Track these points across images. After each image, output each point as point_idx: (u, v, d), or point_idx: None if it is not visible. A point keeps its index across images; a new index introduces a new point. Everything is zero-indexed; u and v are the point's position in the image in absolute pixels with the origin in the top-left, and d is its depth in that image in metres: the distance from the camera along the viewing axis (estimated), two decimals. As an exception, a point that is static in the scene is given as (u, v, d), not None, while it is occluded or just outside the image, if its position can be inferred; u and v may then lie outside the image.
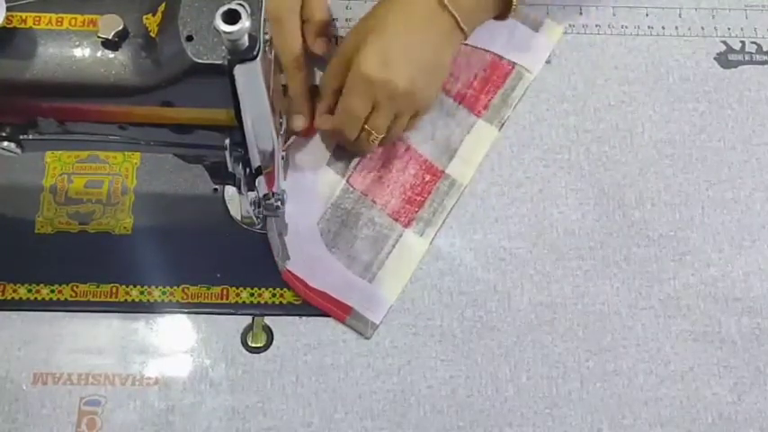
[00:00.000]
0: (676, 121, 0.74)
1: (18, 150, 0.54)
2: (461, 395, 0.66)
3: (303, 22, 0.71)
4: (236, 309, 0.67)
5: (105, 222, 0.69)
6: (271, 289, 0.68)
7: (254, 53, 0.44)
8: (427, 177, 0.72)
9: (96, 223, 0.69)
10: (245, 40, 0.44)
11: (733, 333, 0.68)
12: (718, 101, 0.75)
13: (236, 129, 0.52)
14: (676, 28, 0.78)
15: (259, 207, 0.63)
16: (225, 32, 0.42)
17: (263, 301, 0.68)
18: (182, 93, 0.48)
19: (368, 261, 0.69)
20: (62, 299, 0.67)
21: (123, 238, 0.69)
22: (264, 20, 0.46)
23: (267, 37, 0.48)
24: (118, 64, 0.48)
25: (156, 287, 0.67)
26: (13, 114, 0.53)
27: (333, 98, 0.69)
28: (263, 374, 0.66)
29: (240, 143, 0.53)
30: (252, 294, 0.68)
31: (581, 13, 0.77)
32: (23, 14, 0.48)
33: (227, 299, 0.68)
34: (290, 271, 0.68)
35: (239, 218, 0.69)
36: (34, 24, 0.49)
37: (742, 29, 0.78)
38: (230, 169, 0.56)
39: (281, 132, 0.65)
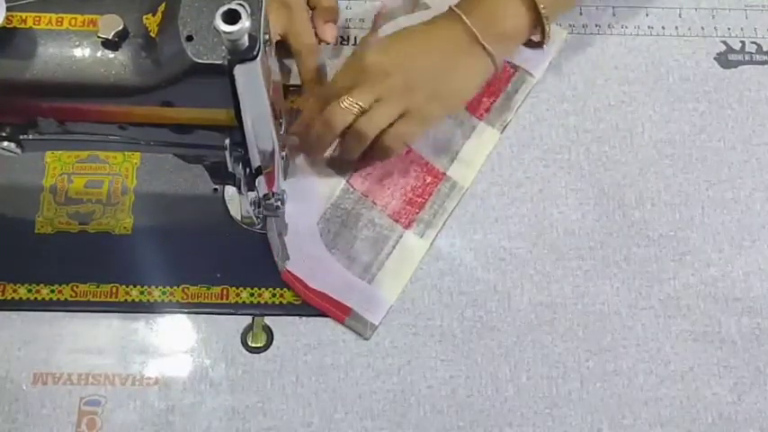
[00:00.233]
0: (676, 121, 0.74)
1: (18, 150, 0.54)
2: (461, 395, 0.66)
3: (311, 9, 0.72)
4: (236, 309, 0.67)
5: (105, 222, 0.69)
6: (271, 289, 0.68)
7: (254, 53, 0.44)
8: (428, 179, 0.72)
9: (96, 223, 0.69)
10: (245, 40, 0.44)
11: (733, 333, 0.68)
12: (718, 101, 0.75)
13: (236, 129, 0.52)
14: (676, 28, 0.78)
15: (259, 207, 0.63)
16: (225, 32, 0.42)
17: (263, 301, 0.68)
18: (182, 93, 0.48)
19: (367, 262, 0.69)
20: (62, 299, 0.67)
21: (123, 238, 0.69)
22: (264, 19, 0.46)
23: (267, 37, 0.48)
24: (118, 64, 0.48)
25: (156, 287, 0.67)
26: (13, 114, 0.53)
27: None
28: (263, 374, 0.66)
29: (240, 143, 0.53)
30: (252, 294, 0.68)
31: (581, 13, 0.77)
32: (23, 14, 0.48)
33: (227, 299, 0.68)
34: (289, 271, 0.68)
35: (239, 218, 0.69)
36: (34, 24, 0.49)
37: (742, 29, 0.78)
38: (230, 169, 0.56)
39: (281, 132, 0.65)
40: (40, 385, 0.65)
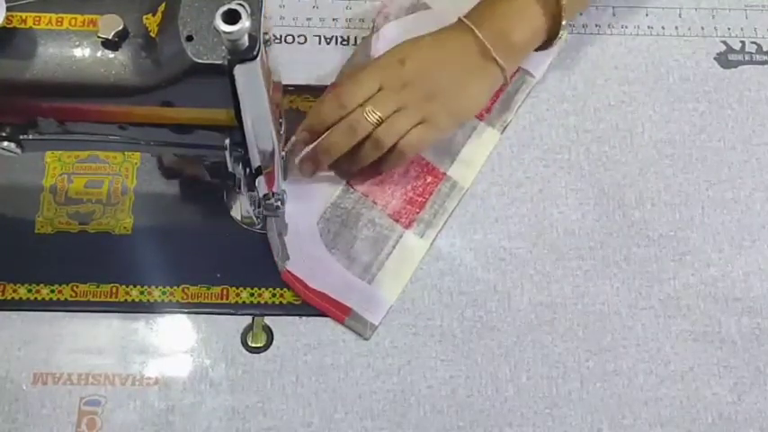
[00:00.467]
0: (676, 121, 0.74)
1: (18, 150, 0.54)
2: (461, 395, 0.66)
3: None
4: (236, 309, 0.67)
5: (105, 222, 0.69)
6: (271, 289, 0.68)
7: (254, 53, 0.44)
8: (429, 179, 0.72)
9: (96, 223, 0.69)
10: (245, 40, 0.44)
11: (733, 333, 0.68)
12: (718, 101, 0.75)
13: (236, 129, 0.52)
14: (676, 28, 0.78)
15: (259, 207, 0.63)
16: (225, 32, 0.42)
17: (263, 301, 0.68)
18: (182, 93, 0.48)
19: (367, 262, 0.69)
20: (62, 299, 0.67)
21: (123, 238, 0.69)
22: (264, 19, 0.46)
23: (267, 37, 0.48)
24: (118, 64, 0.48)
25: (156, 287, 0.67)
26: (13, 114, 0.53)
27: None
28: (263, 374, 0.66)
29: (240, 143, 0.53)
30: (252, 294, 0.68)
31: (581, 13, 0.77)
32: (23, 14, 0.48)
33: (227, 299, 0.68)
34: (289, 271, 0.68)
35: (239, 218, 0.69)
36: (34, 24, 0.49)
37: (742, 29, 0.78)
38: (230, 169, 0.56)
39: (281, 132, 0.65)
40: (40, 385, 0.65)
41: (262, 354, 0.66)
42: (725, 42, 0.77)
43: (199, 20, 0.46)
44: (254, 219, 0.68)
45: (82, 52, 0.48)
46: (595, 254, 0.70)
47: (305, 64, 0.75)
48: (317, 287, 0.68)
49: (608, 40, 0.77)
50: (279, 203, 0.61)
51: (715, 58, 0.77)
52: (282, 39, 0.76)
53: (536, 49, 0.71)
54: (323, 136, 0.67)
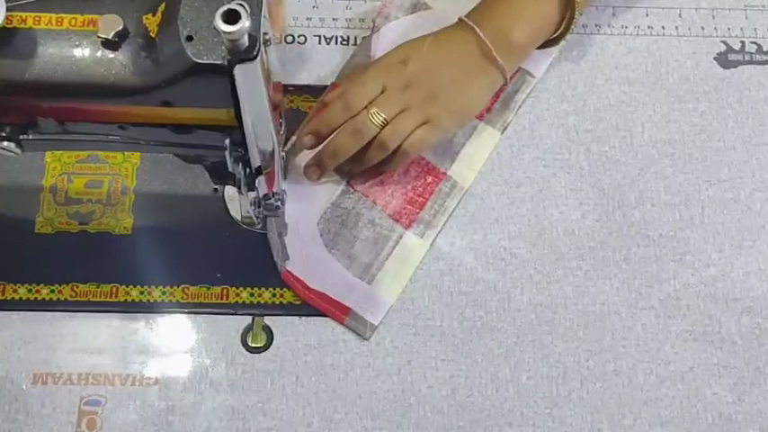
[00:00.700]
0: (676, 121, 0.74)
1: (18, 150, 0.54)
2: (461, 395, 0.66)
3: None
4: (236, 309, 0.67)
5: (105, 222, 0.69)
6: (271, 289, 0.68)
7: (254, 53, 0.44)
8: (429, 179, 0.72)
9: (96, 223, 0.69)
10: (245, 40, 0.44)
11: (733, 333, 0.68)
12: (718, 101, 0.75)
13: (236, 129, 0.52)
14: (676, 28, 0.78)
15: (259, 207, 0.63)
16: (225, 32, 0.42)
17: (263, 301, 0.68)
18: (182, 93, 0.48)
19: (367, 262, 0.69)
20: (62, 299, 0.67)
21: (123, 238, 0.69)
22: (264, 19, 0.46)
23: (267, 37, 0.48)
24: (118, 64, 0.48)
25: (156, 287, 0.67)
26: (13, 114, 0.53)
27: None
28: (263, 374, 0.66)
29: (240, 143, 0.53)
30: (252, 294, 0.68)
31: (581, 13, 0.77)
32: (23, 14, 0.48)
33: (227, 299, 0.68)
34: (289, 271, 0.68)
35: (239, 218, 0.69)
36: (34, 24, 0.49)
37: (742, 29, 0.78)
38: (230, 169, 0.56)
39: (281, 132, 0.65)
40: (40, 385, 0.65)
41: (262, 354, 0.66)
42: (725, 42, 0.77)
43: (199, 20, 0.45)
44: (254, 219, 0.68)
45: (82, 52, 0.48)
46: (595, 254, 0.70)
47: (305, 64, 0.75)
48: (317, 287, 0.68)
49: (608, 40, 0.77)
50: (279, 203, 0.61)
51: (715, 58, 0.77)
52: (282, 39, 0.76)
53: (540, 47, 0.71)
54: (328, 139, 0.67)
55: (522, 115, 0.74)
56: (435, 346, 0.67)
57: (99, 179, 0.71)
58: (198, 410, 0.64)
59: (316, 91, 0.73)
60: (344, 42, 0.76)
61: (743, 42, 0.77)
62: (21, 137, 0.54)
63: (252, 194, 0.62)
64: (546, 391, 0.66)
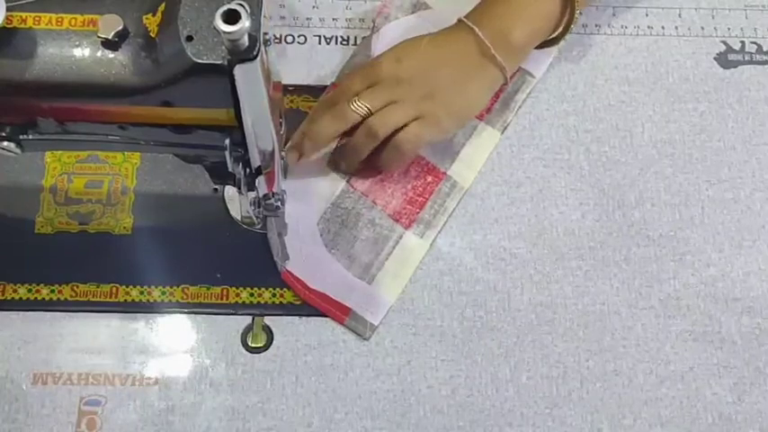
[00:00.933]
0: (676, 121, 0.74)
1: (18, 150, 0.54)
2: (461, 395, 0.66)
3: None
4: (236, 309, 0.67)
5: (105, 222, 0.69)
6: (271, 289, 0.68)
7: (254, 53, 0.44)
8: (429, 179, 0.72)
9: (96, 223, 0.69)
10: (245, 40, 0.44)
11: (733, 333, 0.68)
12: (718, 101, 0.75)
13: (236, 129, 0.52)
14: (676, 28, 0.78)
15: (259, 207, 0.63)
16: (225, 32, 0.42)
17: (263, 301, 0.68)
18: (182, 93, 0.48)
19: (367, 262, 0.69)
20: (62, 299, 0.67)
21: (123, 238, 0.69)
22: (264, 19, 0.46)
23: (267, 37, 0.48)
24: (118, 64, 0.48)
25: (156, 287, 0.67)
26: (13, 114, 0.53)
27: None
28: (263, 374, 0.66)
29: (240, 143, 0.53)
30: (252, 294, 0.68)
31: (581, 13, 0.77)
32: (23, 14, 0.48)
33: (227, 299, 0.68)
34: (289, 271, 0.68)
35: (239, 218, 0.69)
36: (34, 24, 0.48)
37: (742, 29, 0.78)
38: (230, 169, 0.56)
39: (281, 132, 0.65)
40: (40, 385, 0.65)
41: (262, 354, 0.66)
42: (725, 42, 0.77)
43: (199, 20, 0.45)
44: (254, 219, 0.68)
45: (82, 52, 0.48)
46: (595, 254, 0.70)
47: (305, 64, 0.75)
48: (317, 287, 0.68)
49: (608, 40, 0.77)
50: (279, 203, 0.61)
51: (715, 58, 0.77)
52: (282, 39, 0.76)
53: (540, 47, 0.71)
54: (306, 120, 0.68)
55: (522, 115, 0.74)
56: (435, 346, 0.67)
57: (99, 179, 0.71)
58: (198, 410, 0.64)
59: (316, 91, 0.73)
60: (344, 42, 0.76)
61: (743, 42, 0.77)
62: (21, 137, 0.54)
63: (252, 194, 0.62)
64: (546, 391, 0.66)
